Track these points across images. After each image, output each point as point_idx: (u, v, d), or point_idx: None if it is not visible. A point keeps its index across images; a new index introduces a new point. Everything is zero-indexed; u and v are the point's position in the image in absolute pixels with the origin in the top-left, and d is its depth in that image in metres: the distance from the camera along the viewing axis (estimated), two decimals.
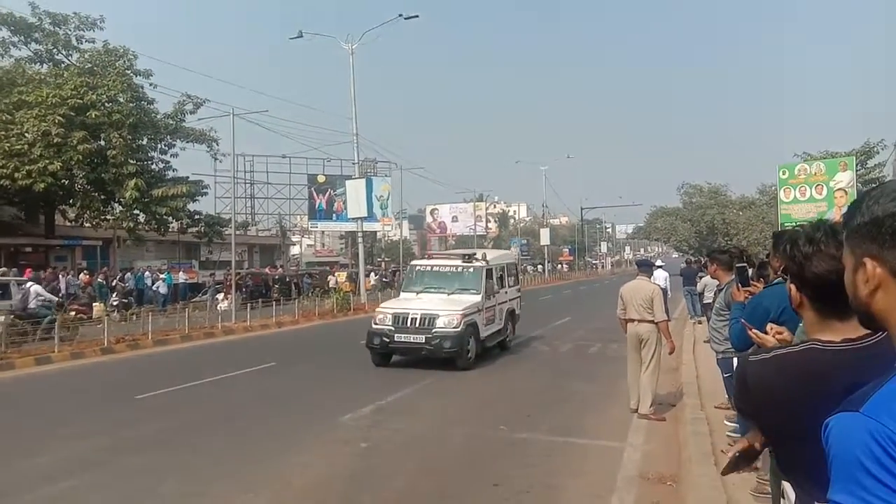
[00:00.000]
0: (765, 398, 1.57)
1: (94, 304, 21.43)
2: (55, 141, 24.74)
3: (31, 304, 16.45)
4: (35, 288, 17.05)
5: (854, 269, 1.11)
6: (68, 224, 31.27)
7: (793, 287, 1.68)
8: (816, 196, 23.79)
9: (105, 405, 9.56)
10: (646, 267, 8.73)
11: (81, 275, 24.75)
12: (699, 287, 16.42)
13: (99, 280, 25.62)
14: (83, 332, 16.42)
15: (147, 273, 28.76)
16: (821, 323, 1.63)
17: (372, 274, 42.51)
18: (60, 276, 24.07)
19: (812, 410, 1.39)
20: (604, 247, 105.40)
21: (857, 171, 27.50)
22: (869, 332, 1.55)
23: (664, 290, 19.84)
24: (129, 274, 28.31)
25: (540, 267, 68.46)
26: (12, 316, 15.13)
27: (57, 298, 18.81)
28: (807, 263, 1.62)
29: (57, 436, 7.64)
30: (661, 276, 20.16)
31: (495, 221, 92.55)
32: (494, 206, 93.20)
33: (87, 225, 29.08)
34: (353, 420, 8.14)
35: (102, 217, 28.55)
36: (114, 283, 25.98)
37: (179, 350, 15.91)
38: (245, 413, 8.81)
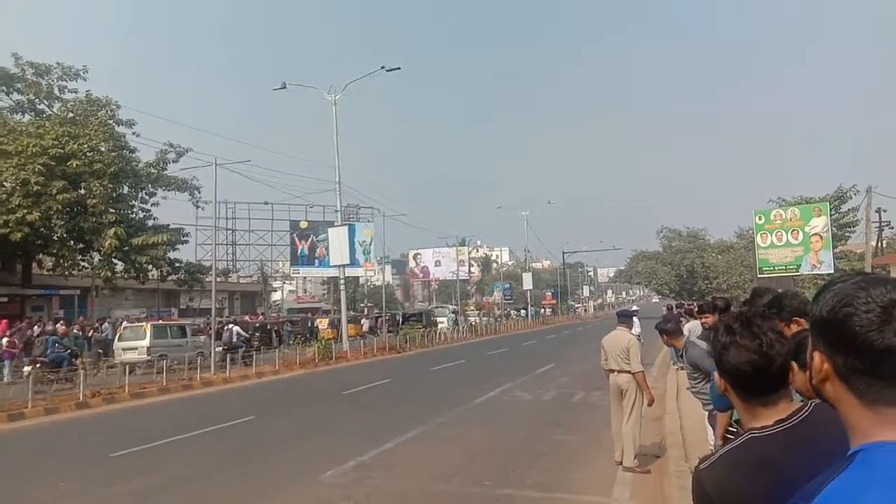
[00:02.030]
0: (729, 502, 1.58)
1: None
2: (34, 190, 24.59)
3: (234, 339, 25.62)
4: (236, 328, 26.94)
5: (810, 356, 1.15)
6: (46, 273, 30.86)
7: (717, 374, 1.72)
8: (793, 241, 24.24)
9: (80, 463, 9.31)
10: (625, 317, 8.73)
11: (58, 325, 24.30)
12: (684, 332, 16.47)
13: (75, 331, 25.16)
14: (58, 386, 16.08)
15: (125, 322, 28.29)
16: (747, 410, 1.66)
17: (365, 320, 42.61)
18: (36, 326, 23.62)
19: (774, 501, 1.43)
20: (586, 290, 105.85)
21: (830, 215, 28.12)
22: (797, 409, 1.62)
23: (638, 337, 19.90)
24: (105, 324, 27.84)
25: (523, 311, 68.44)
26: (223, 348, 23.51)
27: (245, 334, 27.38)
28: (724, 353, 1.65)
29: (29, 498, 7.40)
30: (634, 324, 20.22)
31: (478, 266, 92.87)
32: (477, 251, 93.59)
33: (64, 275, 28.73)
34: (335, 477, 7.99)
35: (79, 267, 28.22)
36: (90, 334, 25.52)
37: (157, 404, 15.59)
38: (223, 470, 8.61)
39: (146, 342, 21.49)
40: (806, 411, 1.60)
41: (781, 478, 1.50)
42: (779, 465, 1.52)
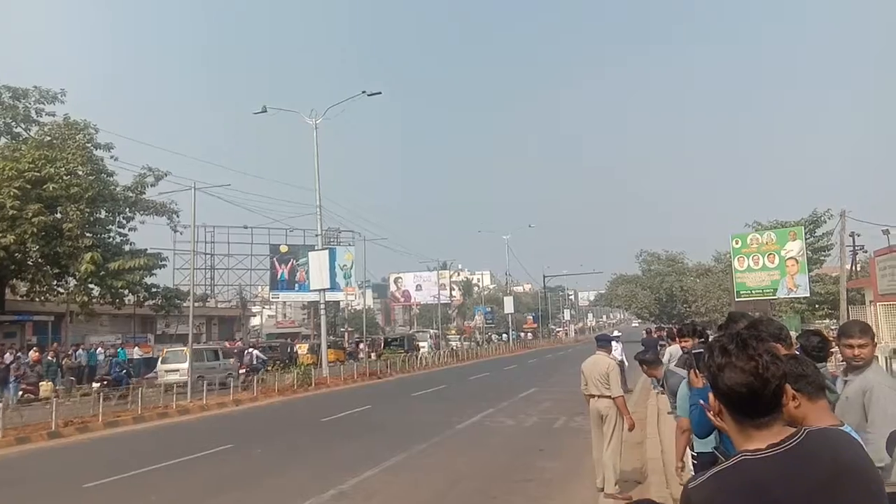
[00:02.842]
0: None
1: (41, 382, 20.70)
2: (9, 214, 24.20)
3: (254, 362, 28.06)
4: (255, 352, 30.16)
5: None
6: (20, 299, 30.28)
7: (711, 395, 1.71)
8: (769, 265, 24.56)
9: (52, 495, 9.07)
10: (604, 342, 8.74)
11: (31, 352, 23.82)
12: (664, 357, 16.47)
13: (48, 357, 24.65)
14: (29, 415, 15.72)
15: (100, 349, 27.81)
16: (740, 432, 1.65)
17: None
18: (8, 353, 23.07)
19: None
20: (567, 314, 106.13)
21: (805, 239, 28.57)
22: (790, 433, 1.62)
23: (621, 362, 19.90)
24: (80, 350, 27.33)
25: (504, 335, 68.40)
26: (244, 370, 26.33)
27: (264, 357, 30.65)
28: (719, 374, 1.64)
29: None
30: (616, 349, 20.26)
31: (459, 290, 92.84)
32: (458, 275, 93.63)
33: (39, 300, 28.20)
34: None
35: (54, 292, 27.75)
36: (63, 361, 25.03)
37: (131, 432, 15.28)
38: (199, 501, 8.45)
39: (187, 364, 23.21)
40: (800, 437, 1.60)
41: (771, 501, 1.50)
42: (769, 488, 1.52)
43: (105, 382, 21.02)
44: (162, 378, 23.44)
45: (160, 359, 26.16)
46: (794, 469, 1.54)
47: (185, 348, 25.10)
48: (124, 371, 22.85)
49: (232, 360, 28.04)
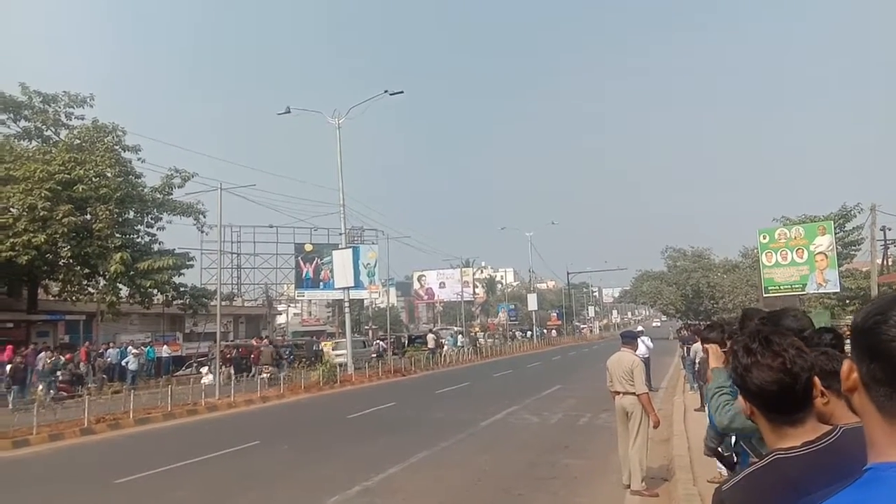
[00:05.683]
0: None
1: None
2: (41, 214, 24.69)
3: (380, 349, 38.24)
4: (380, 343, 40.48)
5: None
6: (51, 299, 30.90)
7: (741, 397, 1.68)
8: (798, 260, 24.13)
9: (84, 491, 9.26)
10: (629, 339, 8.69)
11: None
12: (691, 354, 16.27)
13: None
14: (63, 413, 16.06)
15: (130, 348, 28.27)
16: (774, 431, 1.62)
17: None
18: (43, 353, 23.48)
19: None
20: (591, 311, 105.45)
21: (835, 234, 28.06)
22: (826, 430, 1.57)
23: (647, 360, 19.67)
24: (110, 349, 27.80)
25: (528, 332, 68.16)
26: (374, 355, 35.97)
27: (383, 344, 41.55)
28: (747, 375, 1.62)
29: None
30: (642, 346, 20.01)
31: (483, 287, 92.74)
32: (481, 272, 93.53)
33: (70, 300, 28.74)
34: (339, 503, 7.92)
35: (85, 292, 28.25)
36: (94, 360, 25.47)
37: (161, 429, 15.53)
38: (227, 497, 8.56)
39: (349, 350, 31.86)
40: (835, 435, 1.56)
41: (807, 500, 1.48)
42: (804, 488, 1.48)
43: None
44: (332, 360, 29.81)
45: (331, 347, 35.59)
46: (829, 466, 1.50)
47: (346, 340, 33.19)
48: (283, 359, 30.30)
49: (372, 346, 38.58)
